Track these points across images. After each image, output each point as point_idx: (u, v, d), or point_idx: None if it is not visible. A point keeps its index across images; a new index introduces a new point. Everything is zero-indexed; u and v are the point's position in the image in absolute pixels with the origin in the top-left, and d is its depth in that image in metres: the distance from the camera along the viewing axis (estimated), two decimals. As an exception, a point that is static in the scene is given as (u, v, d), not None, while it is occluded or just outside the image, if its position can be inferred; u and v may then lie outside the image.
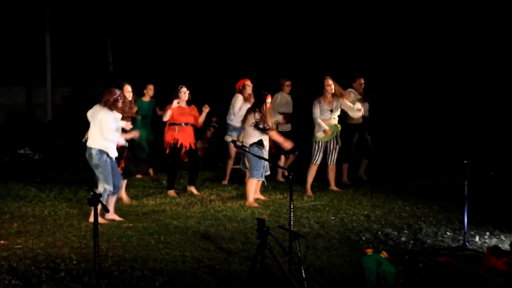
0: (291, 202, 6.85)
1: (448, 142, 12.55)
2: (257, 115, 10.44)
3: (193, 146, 11.48)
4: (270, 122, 10.56)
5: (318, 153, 11.38)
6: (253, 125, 10.44)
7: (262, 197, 11.09)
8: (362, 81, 12.71)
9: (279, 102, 12.92)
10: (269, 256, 5.99)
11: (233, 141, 9.15)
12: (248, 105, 11.59)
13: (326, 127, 11.26)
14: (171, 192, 11.48)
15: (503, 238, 8.35)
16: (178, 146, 11.34)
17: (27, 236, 8.47)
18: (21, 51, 21.82)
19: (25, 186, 12.16)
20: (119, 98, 9.21)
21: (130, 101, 10.13)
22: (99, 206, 5.43)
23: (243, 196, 11.08)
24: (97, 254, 5.48)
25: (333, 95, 11.30)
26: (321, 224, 9.23)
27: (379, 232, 8.72)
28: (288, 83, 13.18)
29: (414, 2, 17.75)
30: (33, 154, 16.96)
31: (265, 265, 5.93)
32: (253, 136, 10.49)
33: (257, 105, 10.57)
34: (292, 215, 6.82)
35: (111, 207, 9.38)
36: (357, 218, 9.60)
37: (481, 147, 12.64)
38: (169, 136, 11.38)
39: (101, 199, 8.94)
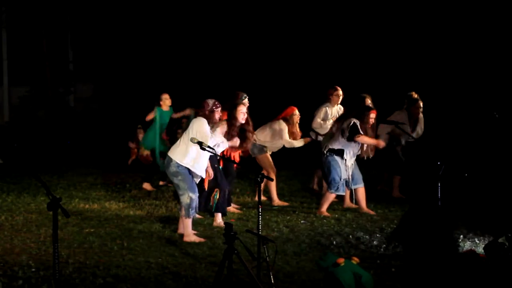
0: (259, 206, 6.78)
1: (421, 142, 12.43)
2: (349, 123, 9.54)
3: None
4: (368, 139, 9.61)
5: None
6: (340, 131, 9.65)
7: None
8: (421, 104, 11.15)
9: (324, 116, 11.10)
10: (237, 262, 5.96)
11: (199, 142, 8.58)
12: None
13: None
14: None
15: (477, 242, 8.30)
16: (233, 158, 10.05)
17: (-18, 243, 8.27)
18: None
19: (-19, 191, 11.85)
20: (214, 108, 8.45)
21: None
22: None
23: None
24: (57, 261, 5.41)
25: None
26: (291, 228, 9.14)
27: (350, 236, 8.63)
28: (337, 93, 11.09)
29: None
30: (-12, 157, 16.57)
31: (233, 271, 5.92)
32: (337, 143, 9.70)
33: (359, 116, 9.63)
34: (260, 219, 6.78)
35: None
36: (327, 222, 9.51)
37: (454, 148, 12.59)
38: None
39: (191, 210, 8.35)
